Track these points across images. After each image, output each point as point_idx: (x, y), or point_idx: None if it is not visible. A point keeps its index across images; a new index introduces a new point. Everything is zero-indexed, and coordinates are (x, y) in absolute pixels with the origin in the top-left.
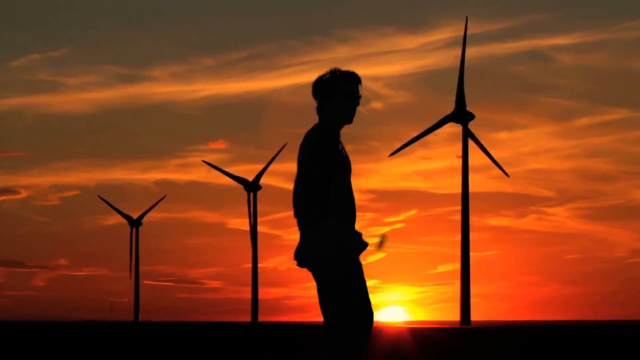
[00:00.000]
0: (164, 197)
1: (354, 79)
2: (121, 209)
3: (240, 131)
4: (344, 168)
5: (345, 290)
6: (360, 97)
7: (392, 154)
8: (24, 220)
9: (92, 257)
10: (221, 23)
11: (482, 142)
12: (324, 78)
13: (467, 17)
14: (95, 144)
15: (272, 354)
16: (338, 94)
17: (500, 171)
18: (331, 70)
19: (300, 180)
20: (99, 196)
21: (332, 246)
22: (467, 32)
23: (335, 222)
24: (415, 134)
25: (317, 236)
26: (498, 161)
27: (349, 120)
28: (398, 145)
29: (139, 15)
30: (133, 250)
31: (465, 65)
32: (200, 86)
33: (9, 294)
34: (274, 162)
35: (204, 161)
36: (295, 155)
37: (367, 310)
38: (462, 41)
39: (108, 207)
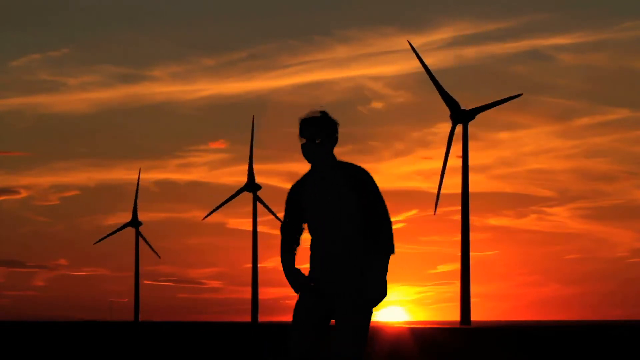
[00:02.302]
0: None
1: (300, 123)
2: (121, 209)
3: (240, 131)
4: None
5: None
6: (302, 139)
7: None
8: (24, 220)
9: (92, 257)
10: (221, 23)
11: (483, 142)
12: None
13: (410, 44)
14: (95, 144)
15: (272, 354)
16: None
17: (500, 171)
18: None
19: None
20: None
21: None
22: (467, 32)
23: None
24: (415, 134)
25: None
26: (498, 161)
27: (306, 160)
28: (398, 145)
29: (139, 15)
30: (134, 248)
31: (433, 71)
32: (200, 86)
33: (9, 294)
34: (274, 163)
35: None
36: (292, 154)
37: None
38: (462, 42)
39: (109, 206)
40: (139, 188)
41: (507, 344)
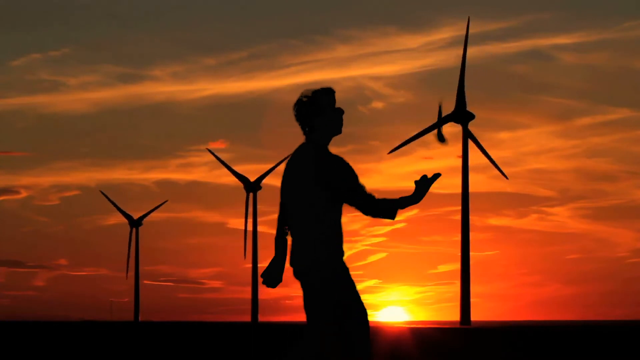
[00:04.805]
0: (166, 202)
1: (331, 92)
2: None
3: (240, 131)
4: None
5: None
6: (340, 109)
7: (391, 152)
8: (24, 220)
9: (92, 257)
10: (221, 23)
11: (483, 142)
12: (304, 99)
13: (469, 18)
14: (96, 144)
15: (272, 354)
16: (325, 108)
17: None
18: (306, 91)
19: (349, 199)
20: (101, 191)
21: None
22: (469, 32)
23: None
24: (416, 133)
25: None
26: (498, 161)
27: (339, 131)
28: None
29: (139, 15)
30: (132, 250)
31: (466, 66)
32: (201, 86)
33: (9, 294)
34: (274, 162)
35: (208, 150)
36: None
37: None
38: (463, 41)
39: (109, 206)
40: (138, 187)
41: (507, 344)
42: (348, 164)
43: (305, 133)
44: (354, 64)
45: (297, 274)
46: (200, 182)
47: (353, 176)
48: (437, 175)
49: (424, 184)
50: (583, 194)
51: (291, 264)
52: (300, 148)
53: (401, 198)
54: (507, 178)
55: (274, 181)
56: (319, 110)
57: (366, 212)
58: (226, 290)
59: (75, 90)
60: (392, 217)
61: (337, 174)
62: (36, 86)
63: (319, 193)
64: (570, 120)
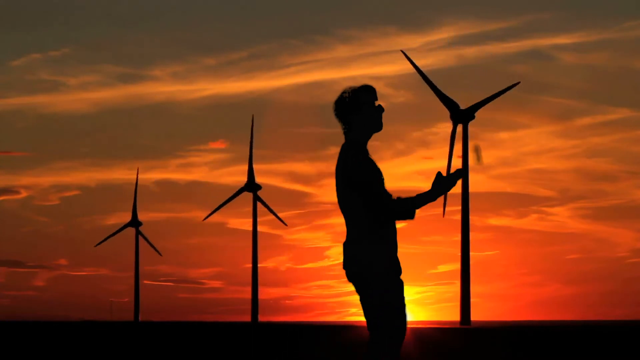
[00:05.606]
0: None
1: (371, 90)
2: (121, 209)
3: (240, 131)
4: (382, 178)
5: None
6: (379, 104)
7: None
8: (24, 220)
9: (92, 257)
10: (221, 23)
11: (483, 142)
12: (344, 96)
13: (402, 51)
14: (96, 144)
15: (272, 354)
16: (364, 106)
17: (501, 170)
18: (347, 89)
19: (365, 198)
20: (94, 246)
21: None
22: (468, 32)
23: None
24: (416, 134)
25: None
26: (498, 161)
27: (379, 128)
28: (399, 145)
29: (139, 15)
30: (133, 251)
31: (424, 72)
32: (201, 86)
33: (9, 294)
34: (274, 163)
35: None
36: (292, 154)
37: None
38: (463, 41)
39: (108, 207)
40: (138, 188)
41: (507, 344)
42: (375, 167)
43: (344, 132)
44: (354, 64)
45: (348, 278)
46: (200, 182)
47: (377, 179)
48: (459, 172)
49: (441, 181)
50: (583, 194)
51: (344, 267)
52: (341, 149)
53: (417, 196)
54: (518, 82)
55: (274, 181)
56: (357, 109)
57: (384, 216)
58: (226, 290)
59: (75, 90)
60: (411, 217)
61: (360, 173)
62: (36, 86)
63: (355, 195)
64: (570, 120)
